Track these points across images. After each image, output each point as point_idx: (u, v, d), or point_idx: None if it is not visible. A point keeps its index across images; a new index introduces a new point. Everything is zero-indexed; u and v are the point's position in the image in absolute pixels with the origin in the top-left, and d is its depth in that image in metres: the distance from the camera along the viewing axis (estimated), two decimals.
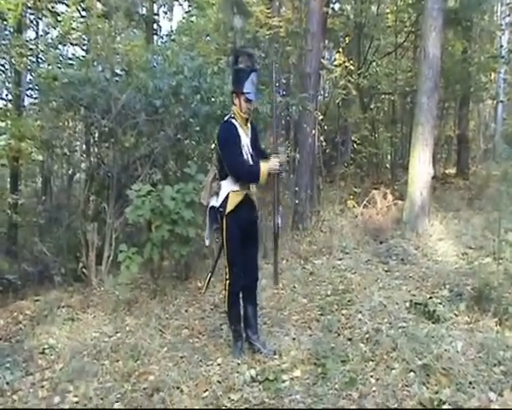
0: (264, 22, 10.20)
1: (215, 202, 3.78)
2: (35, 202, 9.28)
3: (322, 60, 9.61)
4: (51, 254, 6.68)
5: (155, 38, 15.39)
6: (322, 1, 8.64)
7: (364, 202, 8.42)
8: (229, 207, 3.72)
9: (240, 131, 3.77)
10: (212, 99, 6.04)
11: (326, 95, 15.28)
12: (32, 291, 6.34)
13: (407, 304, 4.62)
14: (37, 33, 14.02)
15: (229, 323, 3.95)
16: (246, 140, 3.79)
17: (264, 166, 3.64)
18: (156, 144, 5.93)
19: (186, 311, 4.95)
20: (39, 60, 9.16)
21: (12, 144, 5.82)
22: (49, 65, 7.04)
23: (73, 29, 11.09)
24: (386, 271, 5.85)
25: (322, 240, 7.06)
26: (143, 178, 5.78)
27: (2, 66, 8.61)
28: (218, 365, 3.63)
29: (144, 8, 14.68)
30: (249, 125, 3.88)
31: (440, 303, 4.67)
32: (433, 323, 4.22)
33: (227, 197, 3.74)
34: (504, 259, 5.65)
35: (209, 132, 6.12)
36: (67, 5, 11.00)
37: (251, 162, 3.71)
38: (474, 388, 3.15)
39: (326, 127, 11.46)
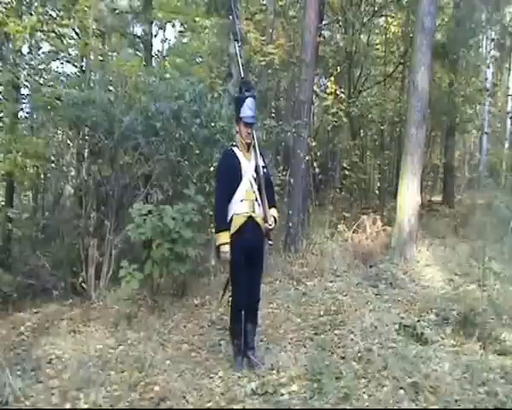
0: (258, 49, 10.57)
1: None
2: (29, 215, 9.40)
3: (314, 88, 10.00)
4: (49, 268, 6.81)
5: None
6: (316, 32, 8.98)
7: (354, 227, 8.68)
8: (233, 229, 3.96)
9: (240, 156, 4.01)
10: (212, 124, 6.27)
11: (316, 121, 15.68)
12: (30, 304, 6.44)
13: (396, 326, 4.87)
14: (30, 49, 14.19)
15: (231, 337, 4.15)
16: (248, 166, 4.02)
17: (218, 236, 3.95)
18: (156, 165, 6.16)
19: (184, 327, 5.12)
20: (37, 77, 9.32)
21: (14, 159, 5.99)
22: (49, 85, 7.23)
23: (69, 46, 11.33)
24: (376, 294, 6.09)
25: (313, 262, 7.29)
26: (143, 197, 5.99)
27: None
28: (220, 378, 3.82)
29: (141, 29, 14.89)
30: (254, 149, 4.09)
31: (428, 326, 4.95)
32: (420, 345, 4.46)
33: (231, 220, 3.98)
34: (488, 286, 5.95)
35: (207, 155, 6.36)
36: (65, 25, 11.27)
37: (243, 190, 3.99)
38: (459, 405, 3.38)
39: (318, 153, 11.81)
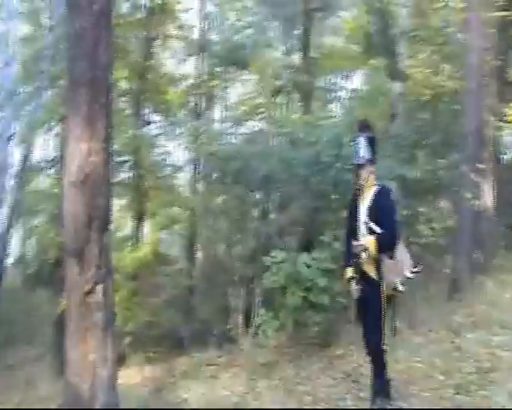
0: (424, 84, 10.22)
1: None
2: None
3: (491, 117, 9.03)
4: (211, 316, 7.37)
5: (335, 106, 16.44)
6: (481, 55, 8.12)
7: None
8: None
9: (359, 200, 3.90)
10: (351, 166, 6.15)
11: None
12: (195, 348, 7.01)
13: None
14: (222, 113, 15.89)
15: None
16: (362, 208, 3.87)
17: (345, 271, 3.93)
18: (297, 212, 6.27)
19: (318, 378, 4.97)
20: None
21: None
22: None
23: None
24: None
25: (480, 312, 6.40)
26: (283, 245, 6.12)
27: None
28: None
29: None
30: (373, 190, 3.89)
31: None
32: None
33: None
34: None
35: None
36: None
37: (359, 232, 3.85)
38: None
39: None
